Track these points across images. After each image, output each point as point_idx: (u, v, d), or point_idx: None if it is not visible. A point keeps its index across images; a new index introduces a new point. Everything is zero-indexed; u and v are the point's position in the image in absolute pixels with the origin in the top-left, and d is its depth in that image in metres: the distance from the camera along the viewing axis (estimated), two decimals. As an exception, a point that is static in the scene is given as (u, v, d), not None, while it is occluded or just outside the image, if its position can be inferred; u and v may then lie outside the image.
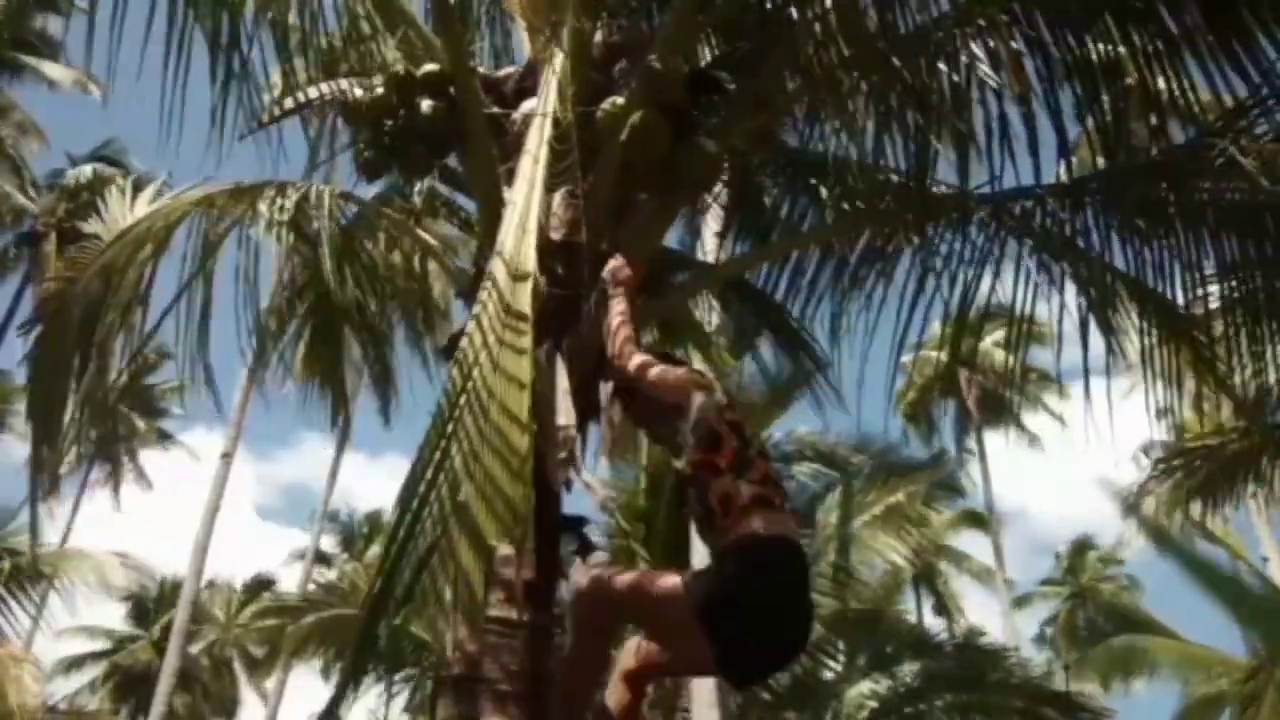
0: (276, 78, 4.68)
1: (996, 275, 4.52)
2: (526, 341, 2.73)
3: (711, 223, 5.40)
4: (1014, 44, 3.65)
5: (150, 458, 32.22)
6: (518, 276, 2.94)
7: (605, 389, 3.79)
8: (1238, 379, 4.46)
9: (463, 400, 2.60)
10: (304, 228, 4.78)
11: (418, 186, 4.88)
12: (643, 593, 2.84)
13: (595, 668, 3.00)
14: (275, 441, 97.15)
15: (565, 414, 3.21)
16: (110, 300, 4.51)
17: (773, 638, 2.73)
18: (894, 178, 4.42)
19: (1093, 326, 4.37)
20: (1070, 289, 4.44)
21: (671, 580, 2.80)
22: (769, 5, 3.95)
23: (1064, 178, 4.21)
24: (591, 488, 3.44)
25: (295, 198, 4.63)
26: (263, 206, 4.60)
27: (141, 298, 4.66)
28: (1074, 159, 4.24)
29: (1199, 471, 9.42)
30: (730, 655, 2.69)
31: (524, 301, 2.85)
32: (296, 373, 6.09)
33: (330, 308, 5.38)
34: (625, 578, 2.93)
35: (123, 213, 4.81)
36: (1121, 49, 3.69)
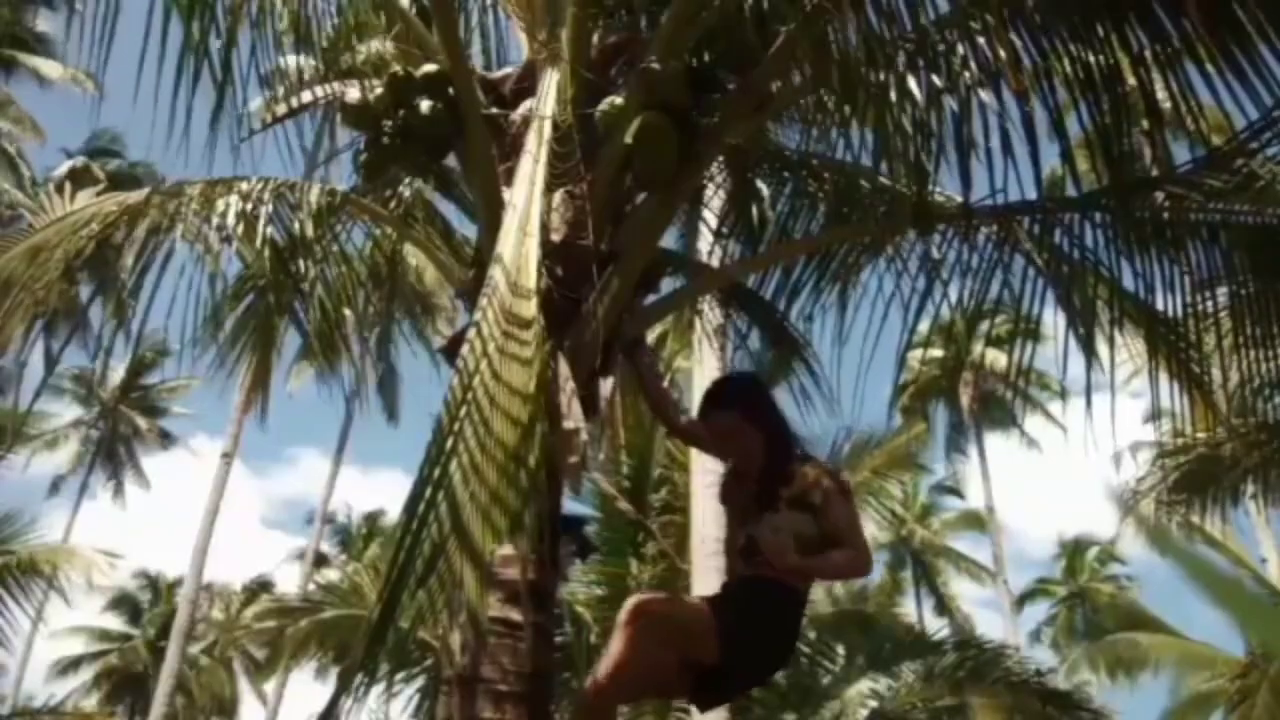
0: (274, 79, 4.66)
1: (1005, 284, 4.53)
2: (529, 352, 2.73)
3: (707, 223, 5.39)
4: (1015, 47, 3.63)
5: (154, 463, 32.32)
6: (518, 291, 2.94)
7: (605, 385, 3.80)
8: (1238, 391, 4.48)
9: (463, 412, 2.60)
10: (275, 222, 4.67)
11: (405, 189, 4.83)
12: (681, 609, 3.29)
13: (646, 674, 3.13)
14: (273, 457, 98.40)
15: (574, 417, 3.20)
16: (31, 275, 4.38)
17: (761, 667, 3.27)
18: (890, 184, 4.42)
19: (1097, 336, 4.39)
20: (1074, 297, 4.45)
21: (701, 604, 3.29)
22: (766, 5, 3.95)
23: (1052, 186, 4.21)
24: (603, 488, 3.59)
25: (273, 191, 4.55)
26: (235, 199, 4.50)
27: (71, 273, 4.51)
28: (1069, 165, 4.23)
29: (1197, 471, 9.42)
30: (725, 673, 3.09)
31: (526, 313, 2.85)
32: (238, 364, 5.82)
33: (274, 301, 5.25)
34: (666, 598, 3.15)
35: (62, 205, 4.80)
36: (1121, 56, 3.68)
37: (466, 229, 5.08)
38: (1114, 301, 4.40)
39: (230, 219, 4.45)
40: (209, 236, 4.56)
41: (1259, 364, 4.34)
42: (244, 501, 68.24)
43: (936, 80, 3.54)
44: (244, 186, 4.51)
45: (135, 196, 4.60)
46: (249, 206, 4.48)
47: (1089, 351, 4.32)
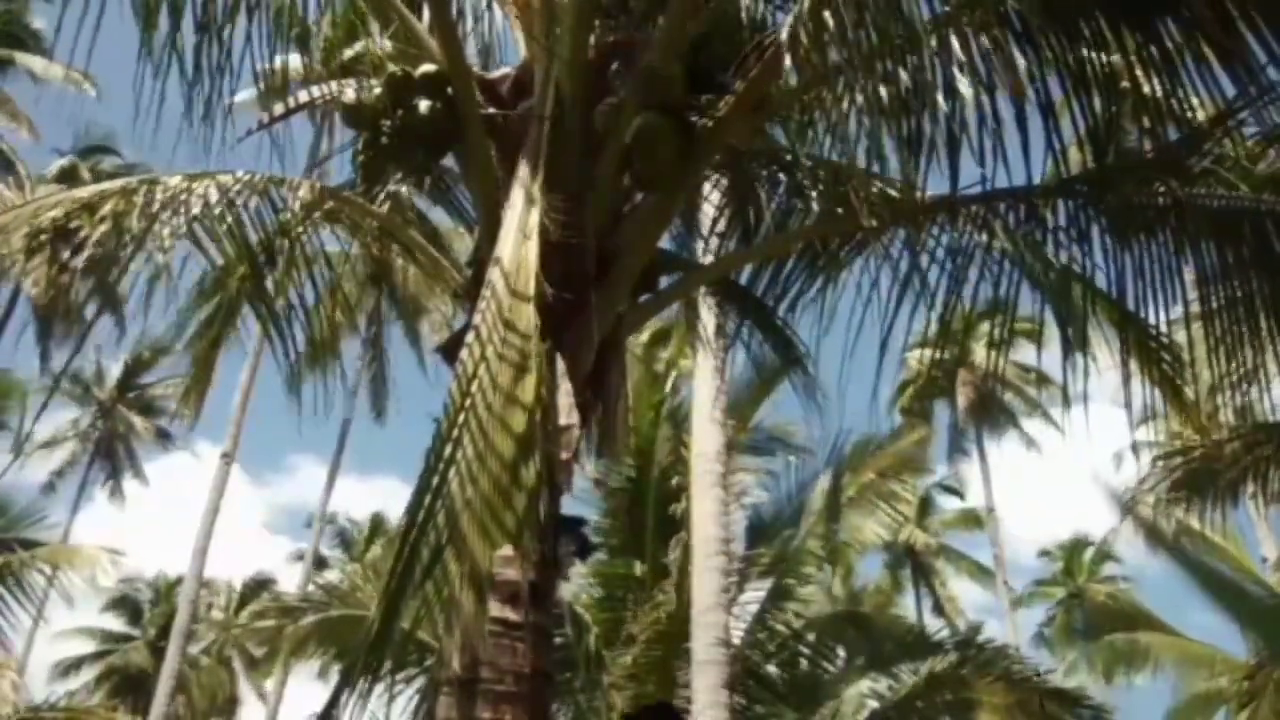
0: (270, 77, 4.61)
1: (1008, 279, 4.52)
2: (528, 359, 2.72)
3: (703, 222, 5.38)
4: (1007, 46, 3.62)
5: (155, 466, 32.27)
6: (517, 294, 2.93)
7: (604, 384, 3.79)
8: (1210, 384, 4.48)
9: (462, 419, 2.59)
10: (257, 218, 4.59)
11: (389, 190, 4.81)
12: None
13: None
14: (273, 466, 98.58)
15: (566, 414, 3.20)
16: None
17: None
18: (880, 183, 4.41)
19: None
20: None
21: None
22: (761, 6, 3.94)
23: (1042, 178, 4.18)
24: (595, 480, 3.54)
25: (255, 186, 4.47)
26: (214, 192, 4.32)
27: (35, 250, 4.42)
28: (1065, 162, 4.21)
29: (1196, 472, 9.39)
30: None
31: (526, 319, 2.85)
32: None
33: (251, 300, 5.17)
34: None
35: (20, 198, 4.78)
36: (1115, 54, 3.68)
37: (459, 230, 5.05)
38: (1090, 299, 4.40)
39: (214, 212, 4.33)
40: (184, 230, 4.42)
41: (1237, 365, 4.32)
42: (246, 509, 68.40)
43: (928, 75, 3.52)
44: (224, 179, 4.39)
45: (111, 185, 4.53)
46: (229, 201, 4.36)
47: (1075, 349, 4.32)
